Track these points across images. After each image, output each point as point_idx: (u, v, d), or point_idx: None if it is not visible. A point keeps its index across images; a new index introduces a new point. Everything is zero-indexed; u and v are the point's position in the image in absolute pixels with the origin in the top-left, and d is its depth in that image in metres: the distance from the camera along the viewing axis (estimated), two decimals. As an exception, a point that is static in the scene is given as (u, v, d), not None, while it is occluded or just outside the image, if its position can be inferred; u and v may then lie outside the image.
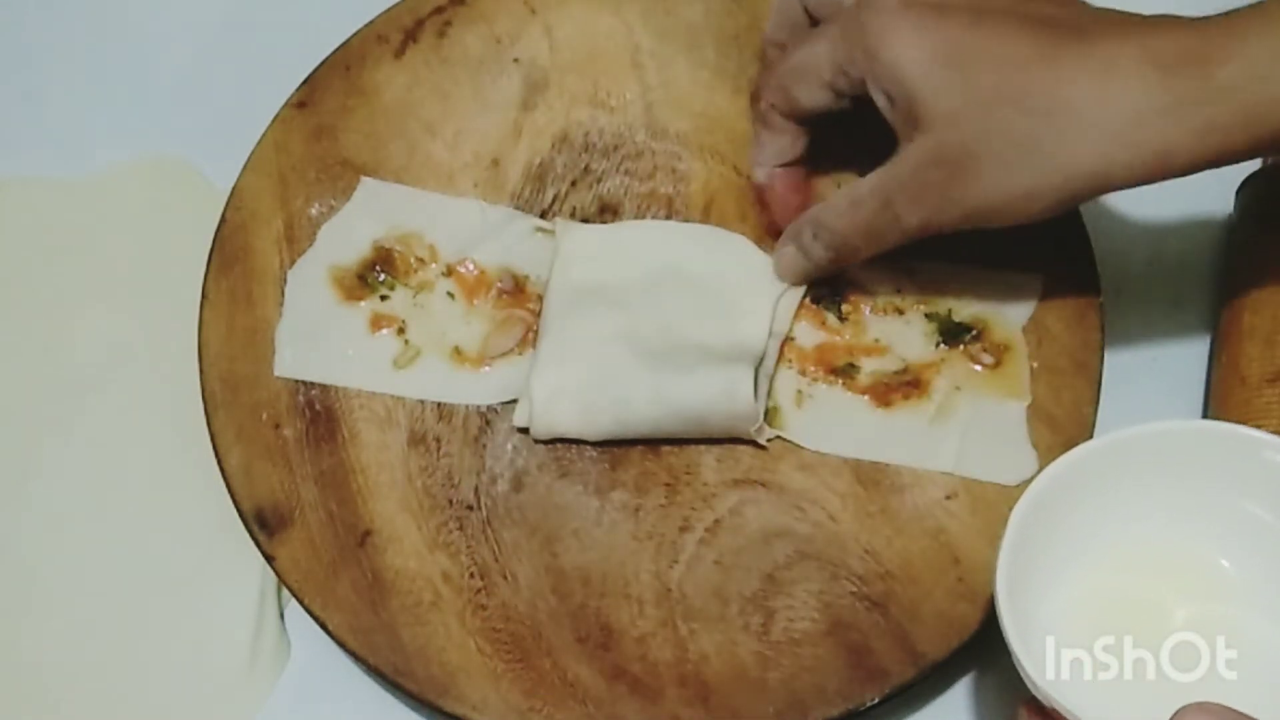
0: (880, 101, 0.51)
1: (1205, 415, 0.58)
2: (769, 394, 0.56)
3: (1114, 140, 0.48)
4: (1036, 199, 0.50)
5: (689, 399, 0.55)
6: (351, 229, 0.60)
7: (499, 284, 0.59)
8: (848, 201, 0.54)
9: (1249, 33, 0.47)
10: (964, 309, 0.58)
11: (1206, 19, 0.48)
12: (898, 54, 0.50)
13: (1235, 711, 0.41)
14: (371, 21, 0.63)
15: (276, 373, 0.57)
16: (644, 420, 0.55)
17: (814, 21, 0.56)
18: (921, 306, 0.58)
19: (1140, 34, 0.48)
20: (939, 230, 0.52)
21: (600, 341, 0.56)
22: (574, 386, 0.55)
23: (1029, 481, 0.48)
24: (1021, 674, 0.46)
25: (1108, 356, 0.57)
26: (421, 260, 0.59)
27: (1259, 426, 0.53)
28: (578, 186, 0.61)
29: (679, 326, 0.56)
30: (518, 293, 0.59)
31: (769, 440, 0.56)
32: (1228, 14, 0.48)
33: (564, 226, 0.59)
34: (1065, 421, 0.56)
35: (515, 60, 0.63)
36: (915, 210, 0.51)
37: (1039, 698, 0.45)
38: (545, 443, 0.56)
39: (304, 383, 0.57)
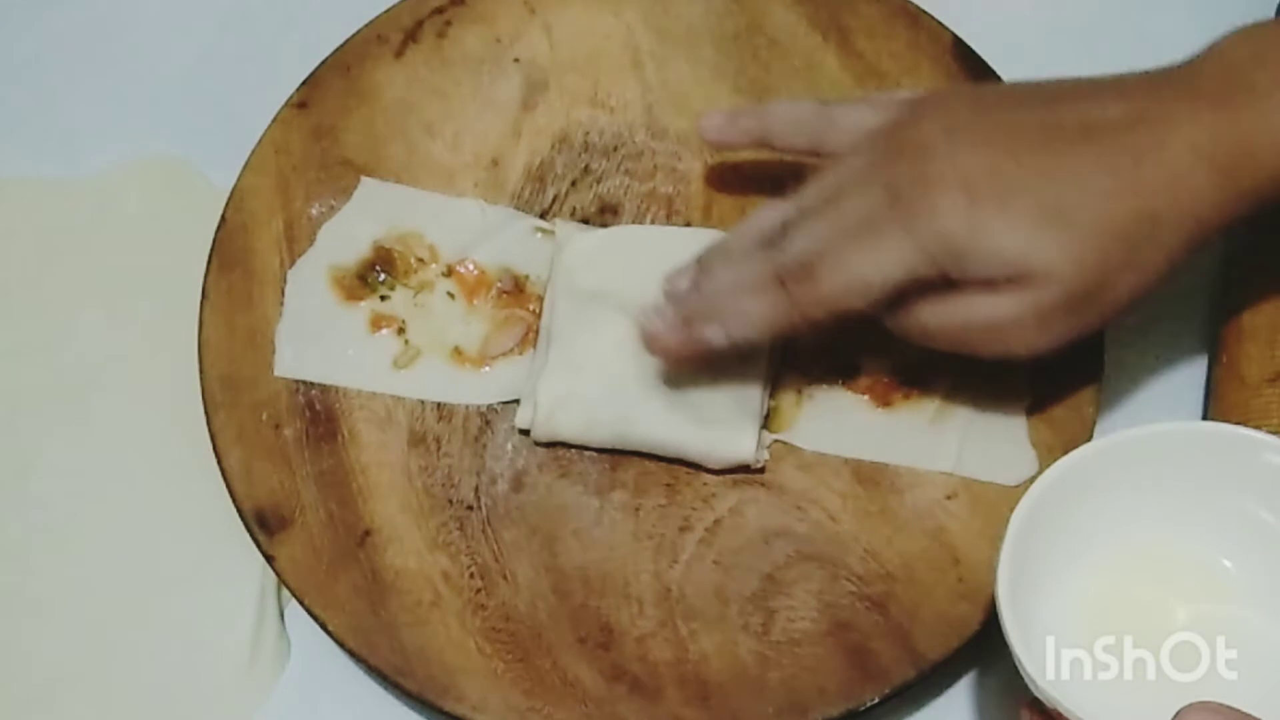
0: (969, 276, 0.49)
1: (1205, 415, 0.58)
2: (771, 395, 0.56)
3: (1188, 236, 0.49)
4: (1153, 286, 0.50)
5: (690, 441, 0.55)
6: (351, 229, 0.60)
7: (499, 284, 0.59)
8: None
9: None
10: None
11: (1221, 83, 0.48)
12: (996, 242, 0.47)
13: (1237, 711, 0.41)
14: (371, 21, 0.63)
15: (276, 373, 0.57)
16: (644, 442, 0.55)
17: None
18: None
19: (1173, 126, 0.48)
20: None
21: (609, 352, 0.56)
22: (580, 397, 0.55)
23: (1029, 481, 0.48)
24: (1023, 674, 0.46)
25: (1108, 356, 0.57)
26: (421, 260, 0.59)
27: (1259, 427, 0.53)
28: (578, 186, 0.61)
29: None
30: (518, 293, 0.59)
31: (769, 445, 0.56)
32: (1243, 83, 0.48)
33: (564, 230, 0.59)
34: (1065, 421, 0.56)
35: (515, 60, 0.63)
36: (1047, 342, 0.50)
37: (1040, 698, 0.45)
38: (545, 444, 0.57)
39: (304, 383, 0.57)
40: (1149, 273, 0.49)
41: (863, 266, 0.49)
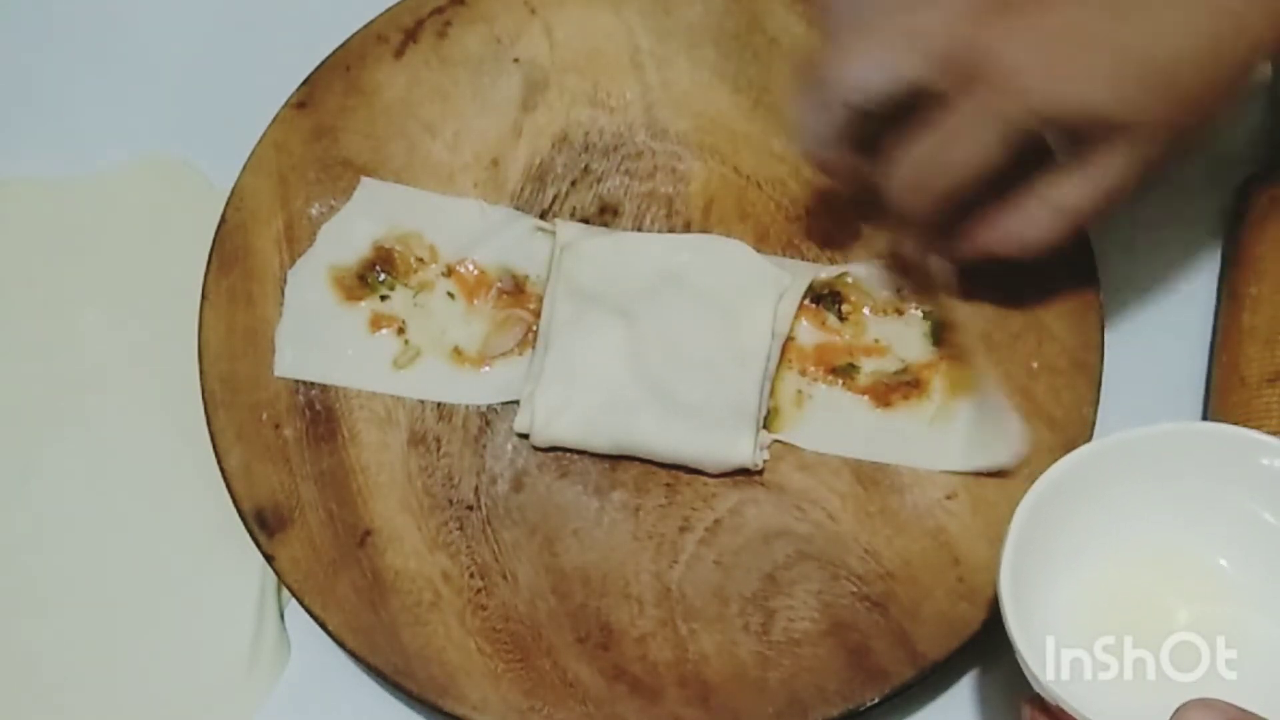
0: (1055, 137, 0.50)
1: (1205, 415, 0.58)
2: (770, 395, 0.56)
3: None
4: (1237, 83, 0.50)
5: (687, 447, 0.55)
6: (351, 229, 0.60)
7: (499, 284, 0.59)
8: (1052, 217, 0.52)
9: None
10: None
11: None
12: (1078, 95, 0.48)
13: (1237, 708, 0.41)
14: (371, 21, 0.63)
15: (276, 373, 0.57)
16: (642, 448, 0.55)
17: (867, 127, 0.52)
18: (920, 306, 0.58)
19: None
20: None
21: (606, 361, 0.56)
22: (578, 405, 0.55)
23: (1030, 479, 0.48)
24: (1026, 672, 0.46)
25: (1108, 356, 0.57)
26: (421, 260, 0.59)
27: (1259, 427, 0.53)
28: (578, 186, 0.61)
29: (683, 343, 0.56)
30: (518, 293, 0.59)
31: (768, 445, 0.56)
32: None
33: (565, 230, 0.59)
34: (1065, 421, 0.56)
35: (515, 60, 0.63)
36: (1136, 188, 0.51)
37: (1043, 695, 0.45)
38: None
39: (304, 383, 0.57)
40: (1229, 89, 0.49)
41: (955, 160, 0.50)
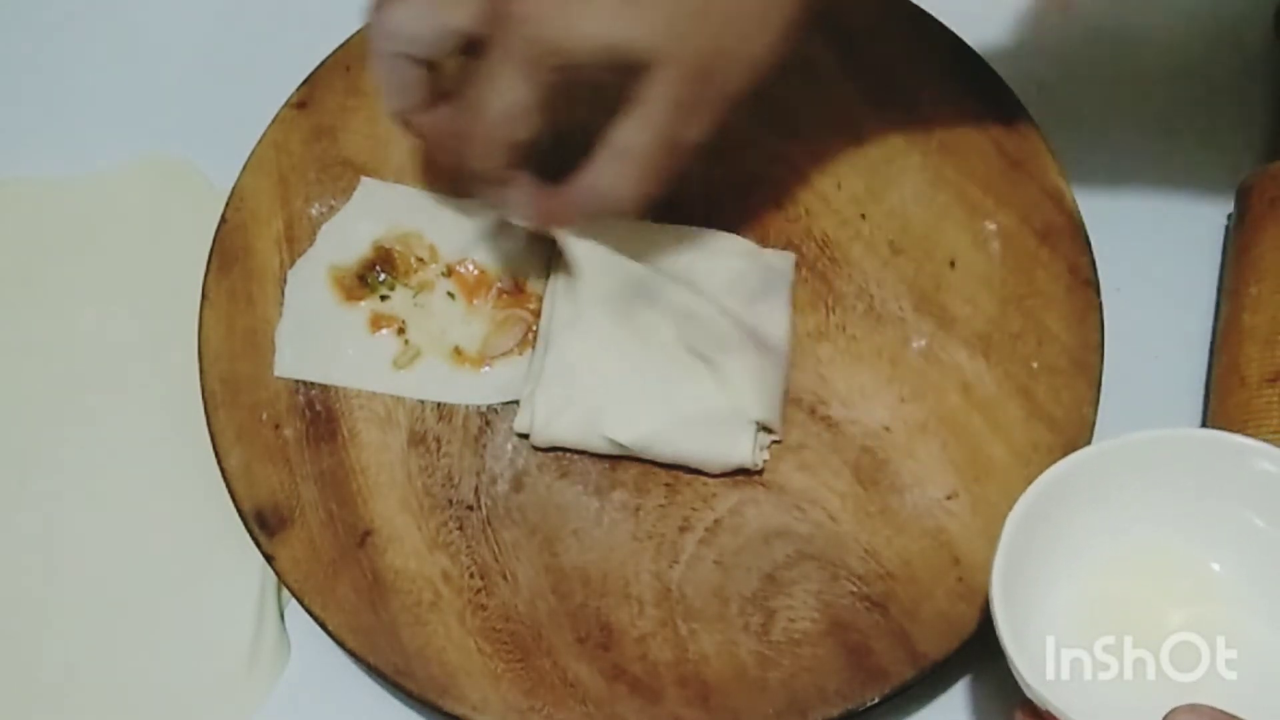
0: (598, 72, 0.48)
1: (1205, 416, 0.58)
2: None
3: None
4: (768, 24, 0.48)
5: (687, 447, 0.55)
6: (351, 229, 0.60)
7: (499, 284, 0.59)
8: (620, 163, 0.50)
9: None
10: None
11: None
12: (590, 34, 0.46)
13: (1225, 713, 0.41)
14: (371, 21, 0.63)
15: (276, 373, 0.57)
16: (642, 451, 0.55)
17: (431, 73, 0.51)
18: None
19: None
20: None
21: (606, 358, 0.56)
22: (577, 405, 0.55)
23: (1029, 480, 0.48)
24: (1015, 675, 0.46)
25: (1108, 356, 0.57)
26: (421, 260, 0.59)
27: (1259, 427, 0.54)
28: (578, 186, 0.61)
29: (682, 340, 0.56)
30: (518, 293, 0.59)
31: (767, 445, 0.56)
32: None
33: (565, 232, 0.59)
34: (1065, 422, 0.56)
35: (515, 60, 0.63)
36: (699, 124, 0.49)
37: (1033, 699, 0.45)
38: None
39: (304, 383, 0.57)
40: (761, 37, 0.48)
41: (495, 109, 0.48)
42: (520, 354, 0.58)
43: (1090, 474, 0.49)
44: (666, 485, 0.56)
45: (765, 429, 0.56)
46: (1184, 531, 0.50)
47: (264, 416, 0.57)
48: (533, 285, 0.59)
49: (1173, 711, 0.42)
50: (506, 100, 0.48)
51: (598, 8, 0.46)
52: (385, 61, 0.51)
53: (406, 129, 0.54)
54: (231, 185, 0.60)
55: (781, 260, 0.59)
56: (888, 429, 0.56)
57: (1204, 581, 0.50)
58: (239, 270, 0.59)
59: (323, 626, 0.54)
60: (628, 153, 0.49)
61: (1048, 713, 0.45)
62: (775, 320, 0.57)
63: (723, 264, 0.58)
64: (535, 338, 0.58)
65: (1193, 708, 0.42)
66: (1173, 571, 0.50)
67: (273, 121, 0.61)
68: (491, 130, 0.49)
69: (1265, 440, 0.49)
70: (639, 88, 0.48)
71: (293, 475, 0.56)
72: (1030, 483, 0.48)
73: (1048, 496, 0.48)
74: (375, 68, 0.51)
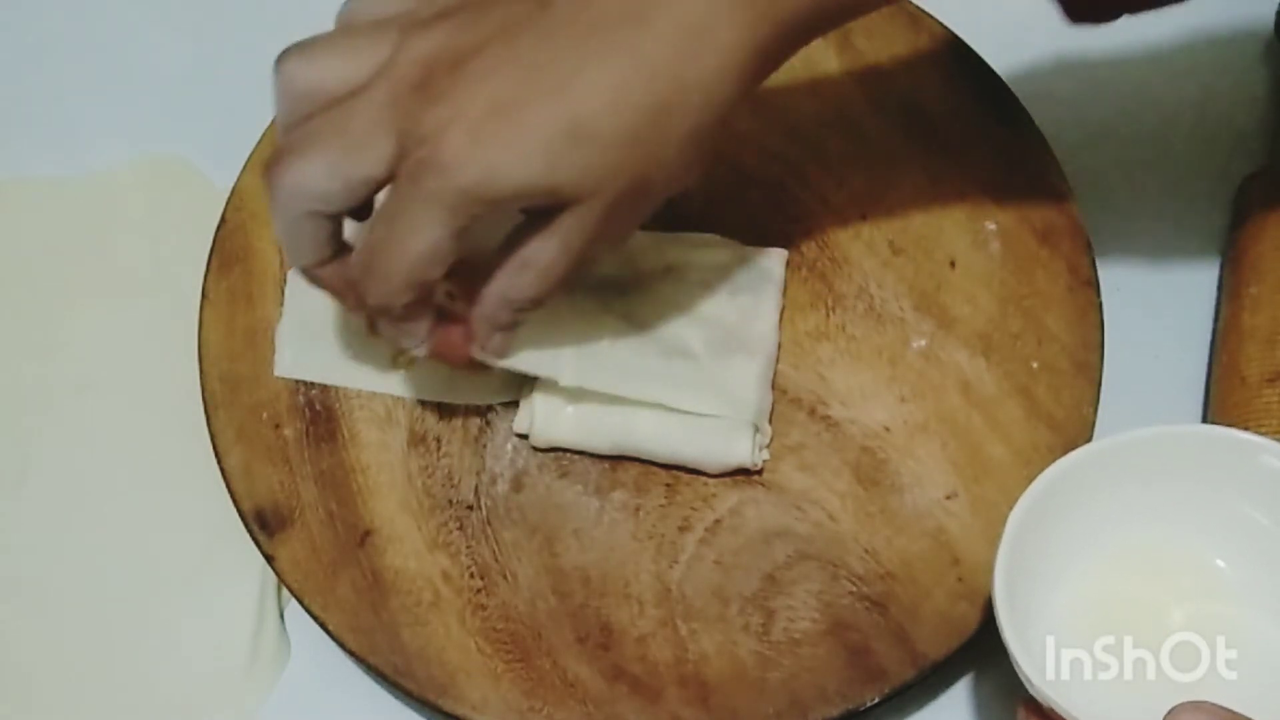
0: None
1: (1205, 415, 0.58)
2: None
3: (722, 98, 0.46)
4: (693, 147, 0.47)
5: (687, 447, 0.55)
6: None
7: (499, 284, 0.59)
8: (529, 274, 0.48)
9: None
10: None
11: None
12: (513, 178, 0.45)
13: (1228, 710, 0.41)
14: (371, 21, 0.63)
15: (276, 373, 0.57)
16: (640, 449, 0.55)
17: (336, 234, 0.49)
18: None
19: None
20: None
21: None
22: (577, 405, 0.55)
23: (1030, 480, 0.48)
24: (1019, 674, 0.46)
25: (1108, 356, 0.57)
26: (421, 260, 0.59)
27: (1259, 427, 0.54)
28: (578, 186, 0.61)
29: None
30: (518, 293, 0.59)
31: (767, 444, 0.56)
32: None
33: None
34: (1065, 422, 0.56)
35: (515, 60, 0.63)
36: (613, 242, 0.49)
37: (1036, 697, 0.45)
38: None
39: (304, 383, 0.57)
40: (683, 153, 0.46)
41: (407, 252, 0.46)
42: (520, 354, 0.58)
43: (1092, 471, 0.49)
44: (666, 485, 0.56)
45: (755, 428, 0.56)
46: (1186, 528, 0.50)
47: (264, 416, 0.57)
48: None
49: (1175, 709, 0.42)
50: (420, 242, 0.46)
51: (518, 151, 0.44)
52: (292, 224, 0.47)
53: (313, 282, 0.51)
54: (231, 185, 0.60)
55: (769, 259, 0.58)
56: (888, 429, 0.56)
57: (1207, 577, 0.50)
58: (239, 270, 0.59)
59: (323, 626, 0.54)
60: (536, 265, 0.48)
61: (1051, 710, 0.45)
62: (763, 319, 0.57)
63: (710, 261, 0.58)
64: (535, 338, 0.58)
65: (1195, 705, 0.42)
66: (1175, 568, 0.50)
67: (273, 121, 0.61)
68: (402, 272, 0.47)
69: (1266, 440, 0.49)
70: (554, 214, 0.46)
71: (293, 475, 0.56)
72: (1030, 482, 0.48)
73: (1050, 494, 0.48)
74: (280, 231, 0.48)
